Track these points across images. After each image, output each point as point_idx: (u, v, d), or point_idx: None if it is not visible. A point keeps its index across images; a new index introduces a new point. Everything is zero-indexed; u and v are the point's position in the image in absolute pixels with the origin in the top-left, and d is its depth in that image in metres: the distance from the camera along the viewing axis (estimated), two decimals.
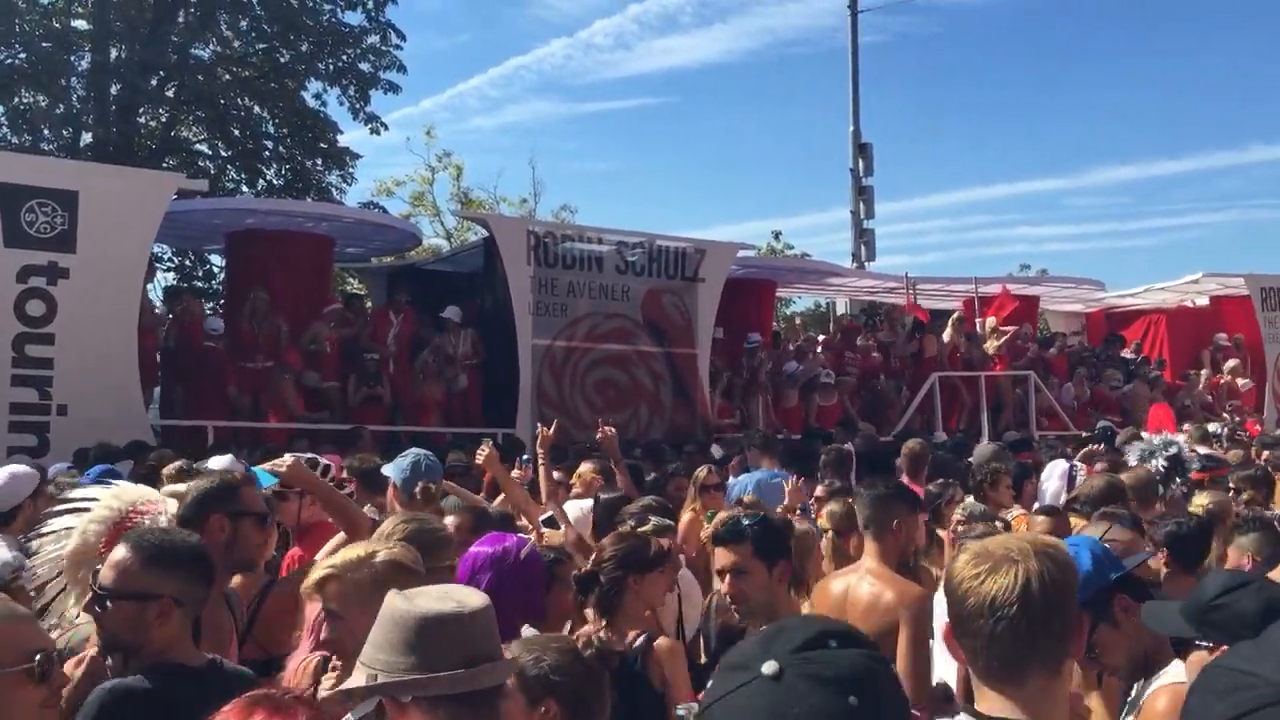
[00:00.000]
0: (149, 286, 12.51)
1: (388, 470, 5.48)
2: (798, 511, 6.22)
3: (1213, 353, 18.61)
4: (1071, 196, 74.92)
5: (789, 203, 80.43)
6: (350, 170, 24.80)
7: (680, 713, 3.02)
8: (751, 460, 8.75)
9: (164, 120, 23.43)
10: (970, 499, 6.42)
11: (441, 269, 15.81)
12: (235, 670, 2.92)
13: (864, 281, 19.27)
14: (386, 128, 24.32)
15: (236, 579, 3.82)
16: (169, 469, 6.30)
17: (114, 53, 21.62)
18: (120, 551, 2.80)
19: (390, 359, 12.67)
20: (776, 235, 38.47)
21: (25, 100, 21.80)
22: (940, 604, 2.55)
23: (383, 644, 2.05)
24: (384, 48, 23.62)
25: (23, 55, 21.33)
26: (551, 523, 5.54)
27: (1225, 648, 2.03)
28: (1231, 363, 18.11)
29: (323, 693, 2.56)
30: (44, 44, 21.11)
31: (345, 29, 23.49)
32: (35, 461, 7.65)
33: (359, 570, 2.76)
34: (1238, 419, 14.81)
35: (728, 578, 3.42)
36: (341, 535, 4.39)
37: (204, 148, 24.18)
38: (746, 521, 3.51)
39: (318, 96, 23.78)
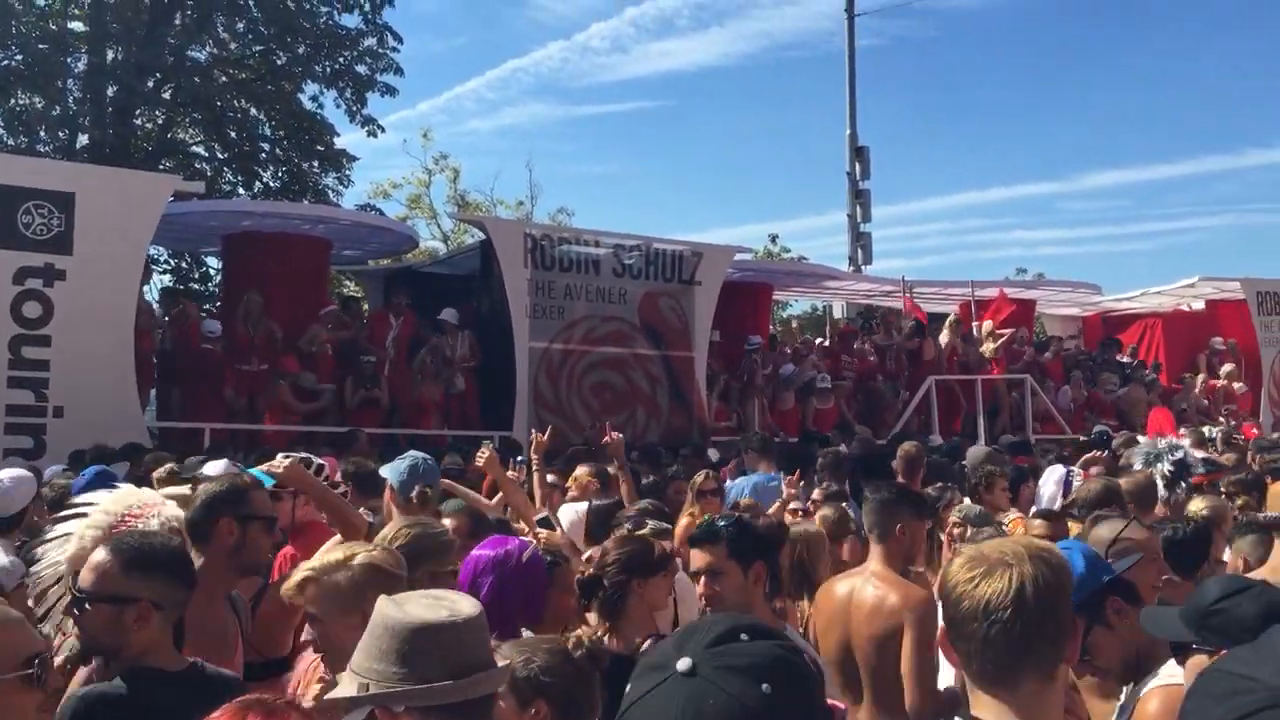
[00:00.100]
0: (145, 288, 12.51)
1: (385, 472, 5.48)
2: (800, 513, 6.22)
3: (1209, 357, 18.63)
4: (1068, 200, 75.04)
5: (786, 206, 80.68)
6: (347, 173, 24.87)
7: None
8: (749, 463, 8.75)
9: (160, 122, 23.43)
10: (967, 501, 6.43)
11: (438, 271, 15.81)
12: (217, 674, 2.91)
13: (861, 285, 19.29)
14: (383, 130, 24.38)
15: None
16: (159, 472, 6.31)
17: (110, 54, 21.62)
18: (99, 554, 2.79)
19: (389, 361, 12.66)
20: (773, 238, 38.64)
21: (21, 102, 21.80)
22: None
23: (374, 652, 2.03)
24: (381, 50, 23.65)
25: (19, 57, 21.32)
26: (546, 523, 5.53)
27: (1225, 652, 2.03)
28: (1227, 367, 18.13)
29: (308, 701, 2.55)
30: (40, 46, 21.10)
31: (342, 31, 23.51)
32: (30, 464, 7.64)
33: (336, 573, 2.75)
34: (1233, 423, 14.83)
35: (702, 579, 3.42)
36: (338, 537, 4.38)
37: (200, 150, 24.18)
38: (722, 523, 3.50)
39: (314, 99, 23.83)
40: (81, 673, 2.82)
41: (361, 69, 23.50)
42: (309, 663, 3.13)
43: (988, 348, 16.20)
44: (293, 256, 12.89)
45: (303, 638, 2.90)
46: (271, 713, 1.93)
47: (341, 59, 23.36)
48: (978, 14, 63.82)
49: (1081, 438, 11.74)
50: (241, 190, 23.18)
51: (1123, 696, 3.08)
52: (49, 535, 3.62)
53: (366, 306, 14.74)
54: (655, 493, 6.75)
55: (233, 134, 23.45)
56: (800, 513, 6.29)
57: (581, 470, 7.14)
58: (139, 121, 22.86)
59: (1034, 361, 16.63)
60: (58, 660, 2.96)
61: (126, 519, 3.61)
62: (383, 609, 2.10)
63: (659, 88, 66.18)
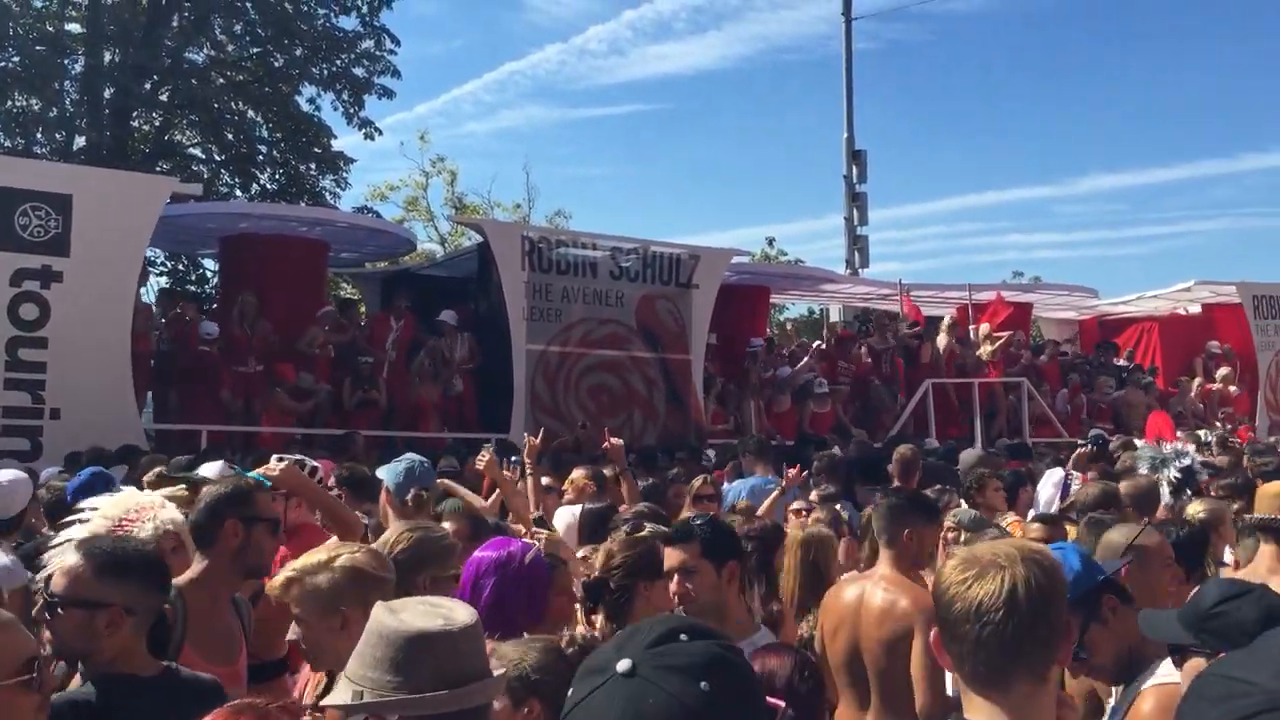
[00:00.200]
0: (142, 290, 12.50)
1: (381, 474, 5.48)
2: (804, 513, 6.23)
3: (1205, 360, 18.65)
4: (1064, 204, 75.14)
5: (782, 209, 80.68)
6: (344, 175, 24.81)
7: None
8: (746, 466, 8.76)
9: (157, 124, 23.40)
10: (963, 505, 6.43)
11: (436, 274, 15.81)
12: (193, 678, 2.89)
13: (858, 288, 19.30)
14: (380, 133, 24.33)
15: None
16: (148, 476, 6.29)
17: (107, 56, 21.58)
18: (72, 558, 2.78)
19: (388, 363, 12.66)
20: (770, 241, 38.60)
21: (18, 103, 21.75)
22: None
23: (369, 660, 2.02)
24: (378, 53, 23.60)
25: (16, 58, 21.27)
26: (540, 523, 5.53)
27: (1222, 655, 2.03)
28: (1223, 370, 18.15)
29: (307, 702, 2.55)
30: (37, 47, 21.07)
31: (339, 34, 23.46)
32: (26, 466, 7.63)
33: (317, 574, 2.75)
34: (1229, 426, 14.85)
35: (675, 577, 3.42)
36: (334, 539, 4.38)
37: (197, 152, 24.15)
38: (696, 522, 3.50)
39: (312, 101, 23.79)
40: (77, 678, 2.81)
41: (359, 71, 23.46)
42: None
43: (985, 351, 16.21)
44: (290, 258, 12.90)
45: (287, 637, 2.88)
46: (264, 717, 1.93)
47: (339, 61, 23.33)
48: (974, 18, 63.91)
49: (1080, 442, 11.75)
50: (238, 192, 23.13)
51: (1113, 698, 3.10)
52: (52, 543, 3.61)
53: (364, 309, 14.73)
54: (654, 496, 6.75)
55: (230, 136, 23.39)
56: (804, 512, 6.30)
57: (578, 473, 7.14)
58: (136, 123, 22.82)
59: (1031, 365, 16.65)
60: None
61: (124, 523, 3.61)
62: (378, 616, 2.08)
63: (656, 91, 66.29)
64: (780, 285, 18.63)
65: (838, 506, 6.64)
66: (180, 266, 22.20)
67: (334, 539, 4.29)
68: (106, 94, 21.60)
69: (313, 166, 24.25)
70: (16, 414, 9.90)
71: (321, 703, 2.22)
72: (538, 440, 6.39)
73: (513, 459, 7.74)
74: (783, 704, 2.99)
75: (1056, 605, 1.83)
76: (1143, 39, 66.59)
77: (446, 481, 6.55)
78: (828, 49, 65.28)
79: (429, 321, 13.10)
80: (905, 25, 72.66)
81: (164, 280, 21.01)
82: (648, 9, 68.60)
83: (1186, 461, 7.36)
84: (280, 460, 4.48)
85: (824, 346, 16.36)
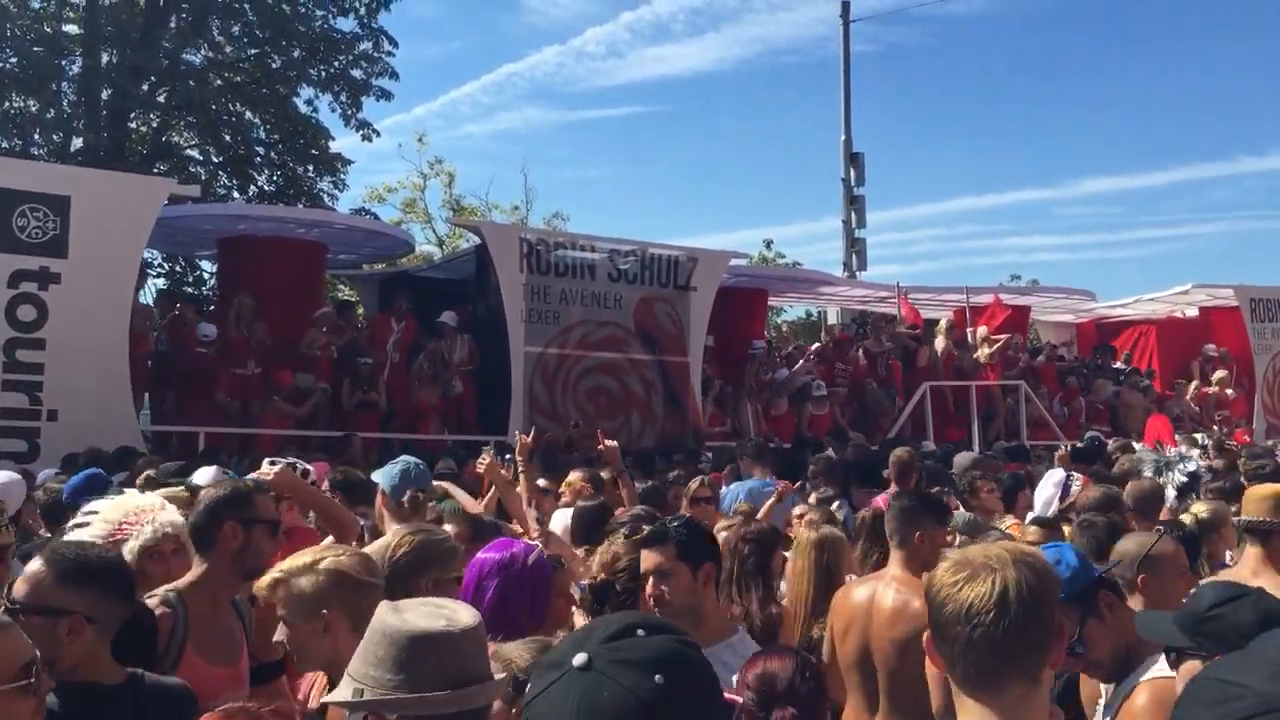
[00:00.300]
0: (140, 292, 12.48)
1: (377, 476, 5.47)
2: (805, 518, 6.23)
3: (1201, 363, 18.67)
4: (1062, 207, 75.36)
5: (780, 211, 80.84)
6: (341, 177, 24.79)
7: None
8: (744, 469, 8.76)
9: (155, 125, 23.37)
10: (960, 509, 6.44)
11: (434, 276, 15.79)
12: (158, 684, 2.87)
13: (856, 291, 19.31)
14: (378, 134, 24.30)
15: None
16: (139, 480, 6.29)
17: (105, 58, 21.55)
18: (35, 564, 2.76)
19: (388, 365, 12.65)
20: (768, 244, 38.66)
21: (16, 105, 21.73)
22: None
23: (371, 659, 2.03)
24: (376, 54, 23.57)
25: (13, 59, 21.26)
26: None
27: (1218, 658, 2.04)
28: (1219, 373, 18.16)
29: (314, 704, 2.55)
30: (35, 48, 21.05)
31: (337, 35, 23.45)
32: (23, 467, 7.63)
33: (301, 577, 2.74)
34: (1226, 430, 14.87)
35: (650, 579, 3.40)
36: (330, 539, 4.38)
37: (195, 153, 24.12)
38: (672, 524, 3.50)
39: (309, 103, 23.77)
40: None
41: (357, 73, 23.44)
42: None
43: (982, 353, 16.23)
44: (288, 260, 12.89)
45: (274, 638, 2.88)
46: None
47: (337, 63, 23.32)
48: (973, 21, 64.10)
49: (1078, 444, 11.77)
50: (236, 194, 23.10)
51: (1105, 695, 3.12)
52: None
53: (361, 311, 14.72)
54: (653, 498, 6.75)
55: (227, 137, 23.37)
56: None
57: (575, 475, 7.15)
58: (133, 125, 22.79)
59: (1029, 367, 16.66)
60: None
61: (124, 526, 3.61)
62: (381, 615, 2.09)
63: (654, 93, 66.44)
64: (778, 288, 18.64)
65: (834, 508, 6.66)
66: (178, 268, 22.20)
67: (328, 540, 4.29)
68: (104, 95, 21.58)
69: (310, 168, 24.23)
70: (14, 415, 9.89)
71: (323, 699, 2.21)
72: (529, 438, 6.38)
73: (506, 457, 7.75)
74: (740, 700, 3.00)
75: (1048, 607, 1.83)
76: (1141, 42, 66.84)
77: (443, 484, 6.54)
78: (826, 51, 65.41)
79: (428, 323, 13.10)
80: (904, 28, 72.90)
81: (161, 282, 21.01)
82: (646, 11, 68.79)
83: (1191, 465, 7.38)
84: (273, 464, 4.46)
85: (821, 348, 16.37)
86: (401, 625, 2.03)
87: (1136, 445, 10.15)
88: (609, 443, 6.82)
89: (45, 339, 10.06)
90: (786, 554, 5.04)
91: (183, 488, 4.75)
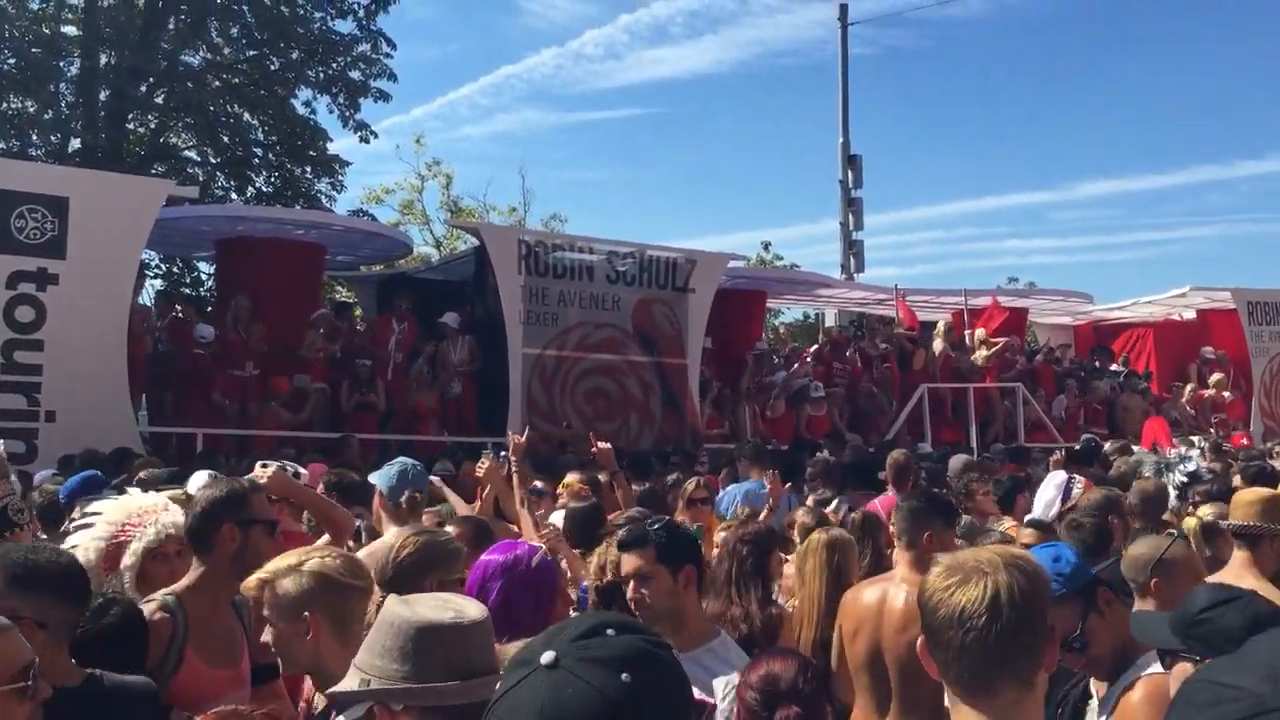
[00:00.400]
0: (139, 293, 12.47)
1: (374, 478, 5.48)
2: (799, 520, 6.23)
3: (1199, 366, 18.69)
4: (1059, 210, 75.51)
5: (778, 213, 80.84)
6: (340, 178, 24.79)
7: None
8: (742, 471, 8.75)
9: (153, 127, 23.37)
10: None
11: (432, 277, 15.79)
12: (118, 683, 2.83)
13: (854, 293, 19.32)
14: (376, 136, 24.29)
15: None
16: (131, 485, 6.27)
17: (103, 59, 21.54)
18: None
19: (390, 366, 12.65)
20: (766, 246, 38.68)
21: (14, 105, 21.73)
22: None
23: (378, 649, 2.03)
24: (374, 56, 23.57)
25: (12, 60, 21.25)
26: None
27: (1208, 661, 2.05)
28: (1216, 376, 18.18)
29: (320, 702, 2.55)
30: (33, 49, 21.03)
31: (335, 37, 23.44)
32: (21, 468, 7.62)
33: (285, 578, 2.72)
34: (1222, 432, 14.89)
35: (631, 583, 3.38)
36: (326, 537, 4.38)
37: (193, 154, 24.10)
38: (652, 526, 3.49)
39: (307, 104, 23.76)
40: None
41: (355, 74, 23.44)
42: None
43: (980, 356, 16.23)
44: (286, 261, 12.89)
45: (261, 639, 2.87)
46: None
47: (335, 65, 23.30)
48: (970, 24, 64.13)
49: (1075, 446, 11.79)
50: (234, 195, 23.09)
51: (1097, 693, 3.13)
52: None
53: (359, 312, 14.72)
54: (652, 500, 6.75)
55: (225, 139, 23.37)
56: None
57: (572, 477, 7.15)
58: (131, 126, 22.79)
59: (1026, 370, 16.67)
60: None
61: (127, 528, 3.61)
62: (390, 607, 2.10)
63: (652, 95, 66.47)
64: (776, 290, 18.64)
65: (833, 508, 6.66)
66: (174, 269, 22.20)
67: (323, 539, 4.29)
68: (102, 96, 21.58)
69: (308, 169, 24.22)
70: (12, 416, 9.86)
71: (328, 691, 2.21)
72: (523, 438, 6.38)
73: (501, 454, 7.75)
74: (712, 701, 3.01)
75: (1039, 611, 1.83)
76: (1138, 45, 66.92)
77: (436, 480, 6.54)
78: (824, 54, 65.40)
79: (427, 325, 13.10)
80: (902, 30, 73.02)
81: (159, 283, 21.00)
82: (644, 13, 68.54)
83: (1192, 466, 7.39)
84: (265, 466, 4.45)
85: (819, 350, 16.38)
86: (410, 616, 2.04)
87: (1136, 448, 10.17)
88: (602, 445, 6.82)
89: (43, 340, 10.05)
90: (785, 556, 5.05)
91: (184, 490, 4.75)
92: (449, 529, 4.47)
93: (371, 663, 2.03)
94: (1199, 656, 2.54)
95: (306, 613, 2.67)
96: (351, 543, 4.96)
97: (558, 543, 4.67)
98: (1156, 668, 2.88)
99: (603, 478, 6.98)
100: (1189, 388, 18.00)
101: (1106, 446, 11.01)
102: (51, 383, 10.00)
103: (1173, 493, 6.92)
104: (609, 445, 6.87)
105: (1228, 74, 69.26)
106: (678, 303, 13.80)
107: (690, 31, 63.94)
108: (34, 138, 21.71)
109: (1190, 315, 19.71)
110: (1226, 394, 17.93)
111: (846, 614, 4.23)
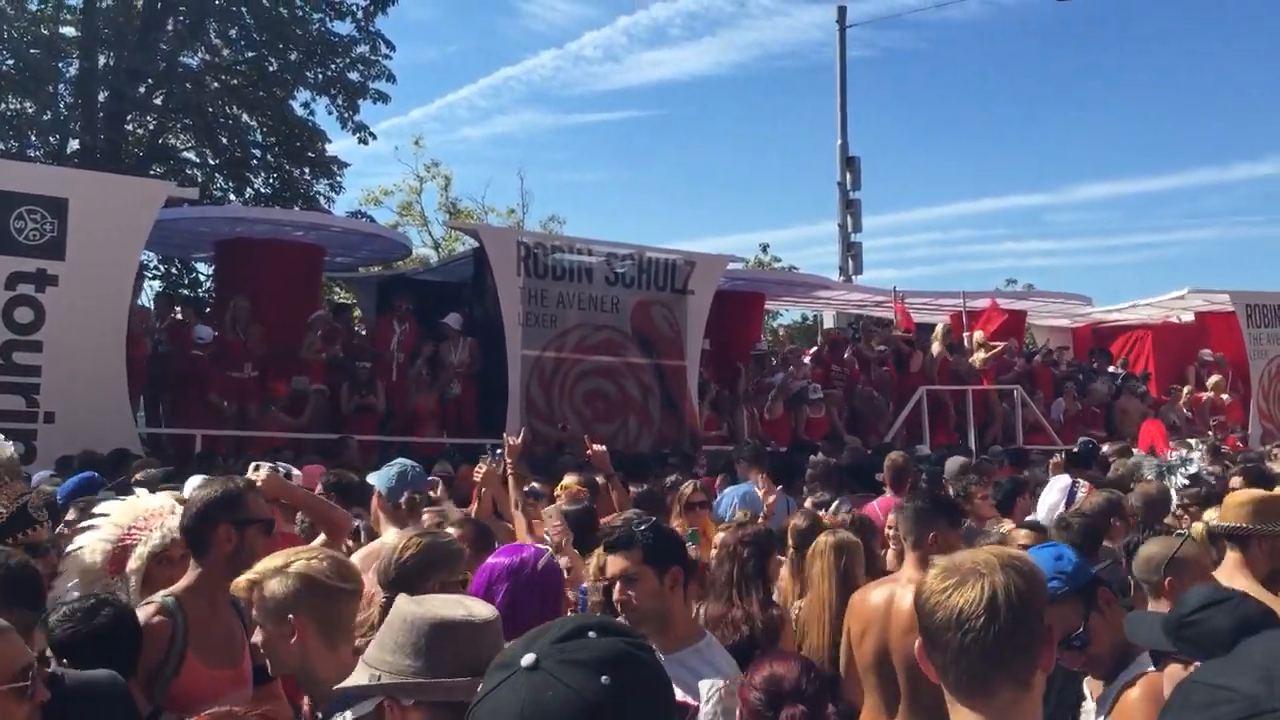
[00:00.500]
0: (138, 294, 12.47)
1: (373, 479, 5.48)
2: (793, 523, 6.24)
3: (1197, 369, 18.70)
4: (1058, 212, 75.54)
5: (776, 215, 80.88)
6: (338, 179, 24.79)
7: None
8: (741, 473, 8.74)
9: (152, 128, 23.36)
10: None
11: (431, 279, 15.79)
12: (81, 679, 2.80)
13: (853, 295, 19.32)
14: (375, 137, 24.33)
15: None
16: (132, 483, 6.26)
17: (102, 60, 21.55)
18: None
19: (395, 365, 12.64)
20: (764, 248, 38.70)
21: (13, 106, 21.72)
22: None
23: (389, 645, 2.04)
24: (373, 57, 23.57)
25: (10, 61, 21.25)
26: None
27: (1198, 664, 2.06)
28: (1214, 378, 18.19)
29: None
30: (32, 50, 21.03)
31: (334, 39, 23.45)
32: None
33: (272, 579, 2.70)
34: (1220, 435, 14.88)
35: (618, 584, 3.36)
36: (323, 536, 4.38)
37: (192, 156, 24.10)
38: (638, 528, 3.48)
39: (306, 105, 23.75)
40: None
41: (354, 76, 23.45)
42: None
43: (978, 358, 16.23)
44: (285, 263, 12.88)
45: (251, 639, 2.86)
46: None
47: (334, 66, 23.31)
48: (968, 27, 64.28)
49: (1073, 449, 11.79)
50: (233, 196, 23.09)
51: (1091, 694, 3.14)
52: (67, 550, 3.62)
53: (358, 313, 14.71)
54: (650, 502, 6.75)
55: (224, 140, 23.37)
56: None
57: (570, 479, 7.15)
58: (130, 127, 22.78)
59: (1025, 372, 16.68)
60: None
61: (133, 530, 3.61)
62: (401, 605, 2.11)
63: (651, 97, 66.48)
64: (774, 292, 18.65)
65: (833, 509, 6.65)
66: (173, 270, 22.19)
67: (319, 539, 4.29)
68: (101, 98, 21.58)
69: (307, 171, 24.22)
70: (11, 417, 9.83)
71: (335, 687, 2.21)
72: (519, 440, 6.39)
73: (498, 452, 7.75)
74: (694, 703, 3.03)
75: (1036, 612, 1.83)
76: (1136, 47, 66.94)
77: (433, 479, 6.54)
78: (822, 55, 65.33)
79: (426, 326, 13.10)
80: (900, 33, 73.06)
81: (158, 284, 21.00)
82: (643, 15, 68.90)
83: (1193, 468, 7.39)
84: (257, 468, 4.44)
85: (817, 352, 16.37)
86: (423, 613, 2.05)
87: (1135, 450, 10.16)
88: (597, 447, 6.83)
89: (42, 341, 10.03)
90: (782, 558, 5.06)
91: (180, 493, 4.75)
92: (450, 530, 4.48)
93: (382, 658, 2.03)
94: (1190, 658, 2.55)
95: (291, 615, 2.64)
96: (350, 543, 4.97)
97: (565, 539, 4.69)
98: (1153, 668, 2.89)
99: (601, 479, 6.98)
100: (1187, 390, 18.01)
101: (1105, 449, 11.01)
102: (50, 384, 9.98)
103: (1175, 496, 6.93)
104: (604, 448, 6.87)
105: (1226, 76, 69.39)
106: (676, 304, 13.81)
107: (689, 33, 63.93)
108: (33, 139, 21.71)
109: (1189, 318, 19.72)
110: (1225, 396, 17.95)
111: (854, 615, 4.23)
